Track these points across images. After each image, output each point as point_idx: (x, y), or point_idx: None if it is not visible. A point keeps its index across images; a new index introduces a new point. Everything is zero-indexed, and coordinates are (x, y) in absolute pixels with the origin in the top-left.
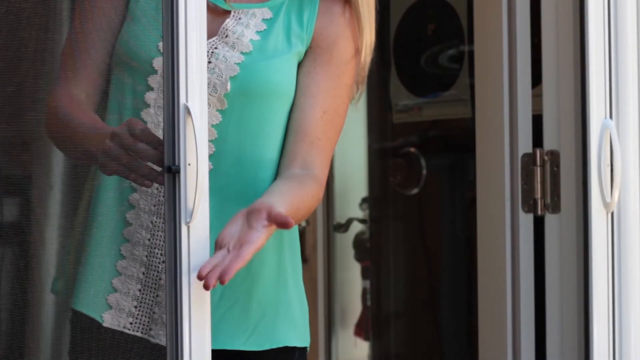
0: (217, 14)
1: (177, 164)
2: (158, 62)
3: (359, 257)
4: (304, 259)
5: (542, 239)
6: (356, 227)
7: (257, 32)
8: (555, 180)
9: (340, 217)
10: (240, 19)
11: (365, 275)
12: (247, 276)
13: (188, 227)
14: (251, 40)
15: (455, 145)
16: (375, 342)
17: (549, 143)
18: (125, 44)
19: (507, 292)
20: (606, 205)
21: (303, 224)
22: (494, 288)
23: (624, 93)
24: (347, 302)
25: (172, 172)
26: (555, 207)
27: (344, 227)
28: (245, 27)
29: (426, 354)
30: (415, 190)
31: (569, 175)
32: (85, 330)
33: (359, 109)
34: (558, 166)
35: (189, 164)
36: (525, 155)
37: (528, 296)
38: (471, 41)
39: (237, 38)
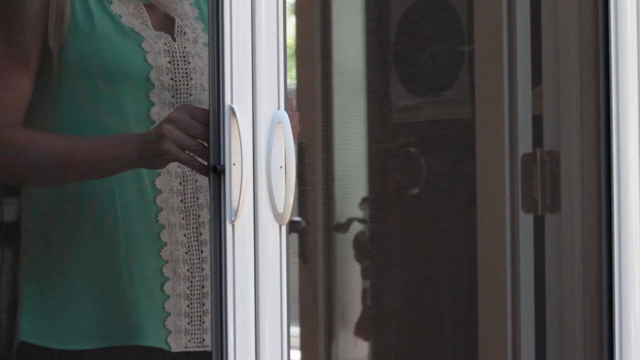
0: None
1: (222, 164)
2: (154, 75)
3: (359, 257)
4: (304, 259)
5: (542, 239)
6: (356, 227)
7: None
8: (555, 180)
9: (340, 217)
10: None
11: (365, 275)
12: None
13: (233, 226)
14: None
15: (455, 145)
16: (375, 342)
17: (549, 143)
18: (109, 63)
19: (507, 292)
20: (278, 216)
21: (303, 223)
22: (494, 288)
23: (624, 93)
24: (347, 302)
25: (217, 172)
26: (555, 207)
27: (344, 227)
28: None
29: (426, 354)
30: (415, 190)
31: (569, 175)
32: None
33: (359, 108)
34: (558, 166)
35: (234, 164)
36: (525, 155)
37: (528, 296)
38: (471, 41)
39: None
